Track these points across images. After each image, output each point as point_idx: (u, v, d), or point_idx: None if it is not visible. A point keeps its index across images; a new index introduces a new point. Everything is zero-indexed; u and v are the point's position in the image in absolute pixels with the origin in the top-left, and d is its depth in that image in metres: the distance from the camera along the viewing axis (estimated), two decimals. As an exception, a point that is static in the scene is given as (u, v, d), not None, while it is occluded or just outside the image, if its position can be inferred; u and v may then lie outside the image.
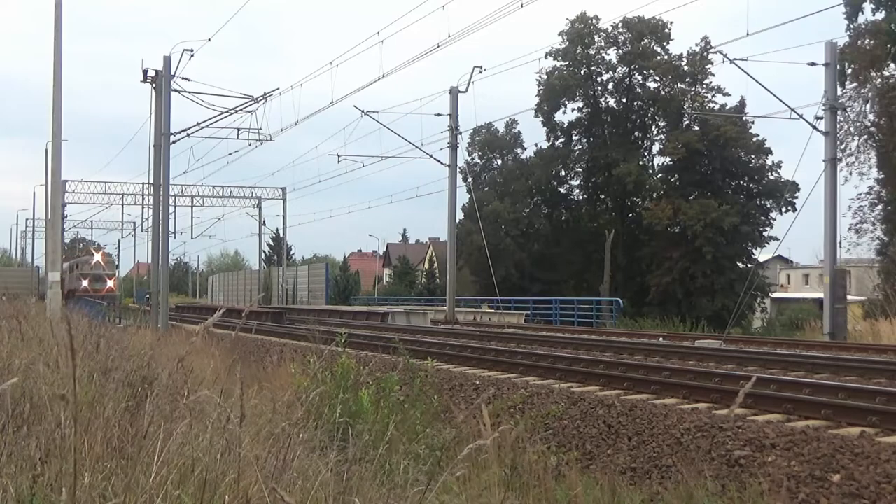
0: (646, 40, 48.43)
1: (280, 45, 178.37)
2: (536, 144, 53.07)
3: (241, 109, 27.64)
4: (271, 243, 68.08)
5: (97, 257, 61.99)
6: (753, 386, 3.83)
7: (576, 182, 53.45)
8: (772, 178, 45.51)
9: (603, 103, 50.85)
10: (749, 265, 43.56)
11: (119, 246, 70.43)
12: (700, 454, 7.79)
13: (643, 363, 13.05)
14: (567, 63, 49.52)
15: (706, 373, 11.51)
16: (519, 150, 55.10)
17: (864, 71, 34.13)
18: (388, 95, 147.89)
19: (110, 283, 60.21)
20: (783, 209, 44.86)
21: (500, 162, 55.52)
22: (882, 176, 35.19)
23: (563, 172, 52.50)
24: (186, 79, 26.73)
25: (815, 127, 24.42)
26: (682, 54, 47.99)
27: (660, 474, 7.91)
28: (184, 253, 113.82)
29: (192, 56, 25.70)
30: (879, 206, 35.63)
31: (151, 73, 27.11)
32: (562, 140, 51.69)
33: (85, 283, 59.35)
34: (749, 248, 45.86)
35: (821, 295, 27.10)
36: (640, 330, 28.47)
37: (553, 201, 53.13)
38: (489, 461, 5.43)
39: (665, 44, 48.81)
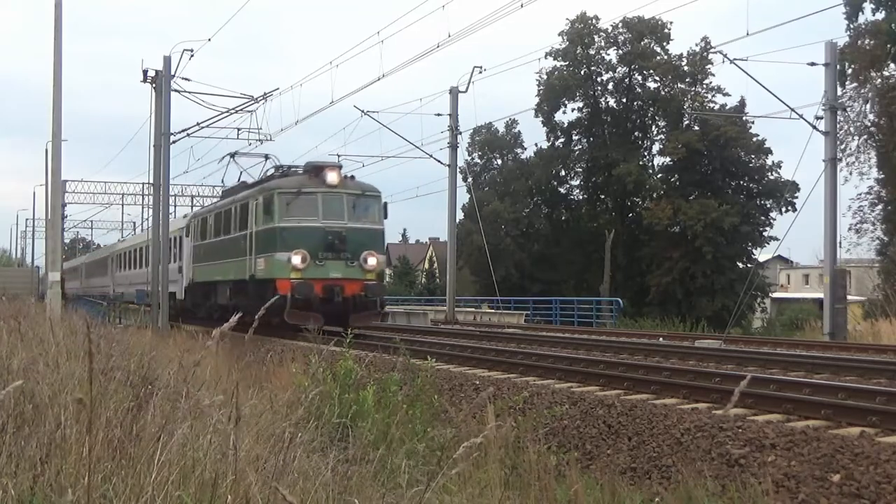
0: (646, 40, 48.44)
1: (280, 45, 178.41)
2: (536, 144, 53.17)
3: (241, 109, 27.62)
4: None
5: (332, 177, 20.07)
6: (753, 386, 3.85)
7: (576, 182, 53.53)
8: (772, 178, 45.56)
9: (603, 103, 50.87)
10: (749, 265, 43.58)
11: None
12: (700, 454, 7.79)
13: (643, 363, 13.05)
14: (567, 63, 49.53)
15: (706, 373, 11.51)
16: (519, 150, 55.20)
17: (864, 71, 34.14)
18: (388, 95, 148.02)
19: (372, 262, 19.92)
20: (783, 209, 44.92)
21: (500, 162, 55.55)
22: (882, 176, 35.21)
23: (563, 172, 52.52)
24: (186, 79, 26.75)
25: (815, 127, 24.44)
26: (682, 54, 48.07)
27: (660, 474, 7.91)
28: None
29: (192, 56, 25.69)
30: (879, 206, 35.66)
31: (151, 73, 27.13)
32: (562, 140, 51.71)
33: (296, 259, 19.31)
34: (749, 248, 45.90)
35: (821, 295, 27.11)
36: (640, 330, 28.46)
37: (553, 201, 53.13)
38: (489, 460, 5.44)
39: (665, 44, 48.84)
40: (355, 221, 19.90)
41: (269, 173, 23.27)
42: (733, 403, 3.78)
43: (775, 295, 51.73)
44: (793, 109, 25.07)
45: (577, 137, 51.82)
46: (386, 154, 36.13)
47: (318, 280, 18.90)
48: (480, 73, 31.16)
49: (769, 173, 45.74)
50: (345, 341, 9.99)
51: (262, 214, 20.01)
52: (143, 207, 51.53)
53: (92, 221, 64.96)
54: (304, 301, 18.43)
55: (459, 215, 40.44)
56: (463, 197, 42.00)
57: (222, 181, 28.74)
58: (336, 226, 19.51)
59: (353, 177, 21.18)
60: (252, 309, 19.06)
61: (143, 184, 46.11)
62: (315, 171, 20.37)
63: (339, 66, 31.97)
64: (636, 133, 51.14)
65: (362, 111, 31.56)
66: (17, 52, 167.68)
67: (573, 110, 50.69)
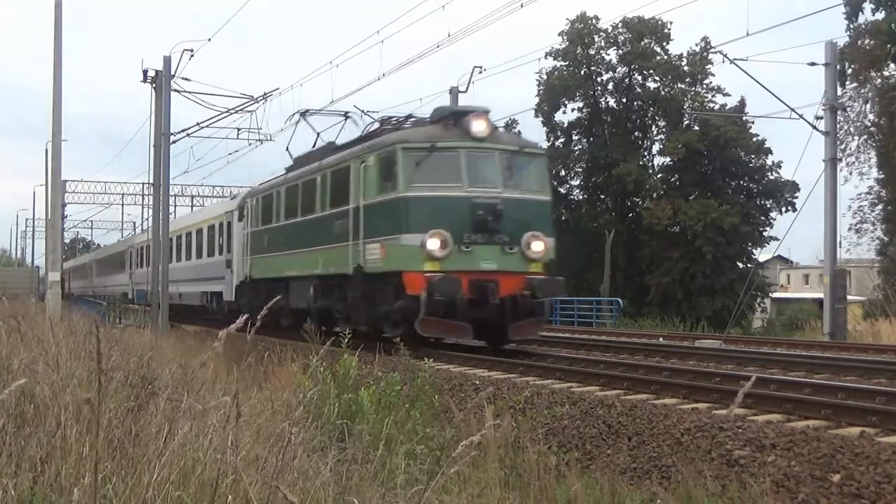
0: (646, 40, 48.43)
1: (281, 44, 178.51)
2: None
3: (241, 109, 27.67)
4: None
5: (478, 126, 13.95)
6: (754, 386, 3.86)
7: (576, 182, 53.47)
8: (772, 178, 45.53)
9: (603, 103, 50.85)
10: (749, 265, 43.56)
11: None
12: (700, 454, 7.79)
13: (643, 363, 13.05)
14: (567, 63, 49.52)
15: (706, 373, 11.52)
16: (519, 150, 55.09)
17: (864, 71, 34.16)
18: (388, 95, 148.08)
19: (538, 248, 14.20)
20: (783, 209, 44.90)
21: (500, 162, 55.51)
22: (882, 176, 35.25)
23: (563, 172, 52.50)
24: (186, 79, 26.80)
25: (815, 127, 24.45)
26: (681, 54, 48.04)
27: (660, 474, 7.91)
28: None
29: (192, 56, 25.77)
30: (879, 206, 35.70)
31: (151, 73, 27.16)
32: (562, 140, 51.70)
33: (433, 243, 13.36)
34: (749, 248, 45.89)
35: (821, 295, 27.11)
36: (640, 330, 28.46)
37: (553, 201, 53.09)
38: (489, 460, 5.44)
39: (665, 44, 48.82)
40: (513, 189, 14.18)
41: (374, 127, 17.22)
42: (737, 404, 3.79)
43: (775, 295, 51.74)
44: (793, 109, 25.13)
45: (577, 137, 51.81)
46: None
47: (465, 273, 13.33)
48: (480, 73, 31.01)
49: (769, 173, 45.74)
50: (344, 341, 9.94)
51: (378, 180, 14.34)
52: (143, 207, 51.65)
53: (92, 221, 65.17)
54: (445, 304, 13.12)
55: (459, 215, 40.38)
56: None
57: (287, 149, 22.88)
58: (488, 195, 13.73)
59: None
60: (360, 315, 14.19)
61: (143, 184, 46.22)
62: (452, 118, 14.39)
63: (339, 66, 31.89)
64: (636, 133, 51.13)
65: (362, 111, 31.48)
66: (17, 52, 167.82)
67: (573, 110, 50.71)
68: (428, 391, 8.96)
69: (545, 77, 49.81)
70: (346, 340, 9.89)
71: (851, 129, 35.36)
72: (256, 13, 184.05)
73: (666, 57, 48.36)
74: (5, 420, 4.43)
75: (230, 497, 3.50)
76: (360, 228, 14.78)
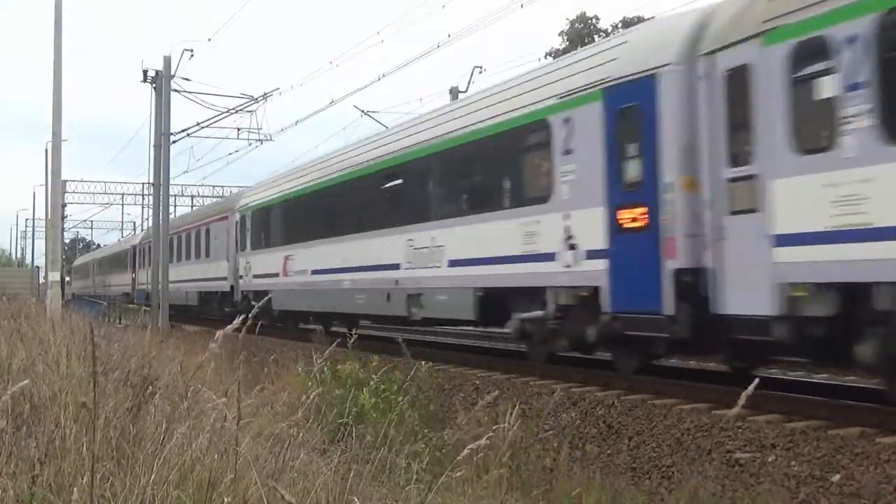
0: (646, 40, 48.42)
1: (281, 44, 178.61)
2: (536, 144, 52.96)
3: (241, 109, 27.71)
4: (272, 243, 67.67)
5: None
6: (754, 386, 3.86)
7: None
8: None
9: (603, 103, 50.81)
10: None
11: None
12: (700, 454, 7.78)
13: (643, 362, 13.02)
14: (567, 63, 49.54)
15: (706, 372, 11.50)
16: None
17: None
18: (388, 95, 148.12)
19: None
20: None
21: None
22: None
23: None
24: (186, 79, 26.86)
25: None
26: (682, 54, 47.98)
27: (660, 474, 7.91)
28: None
29: (192, 56, 25.82)
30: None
31: (151, 73, 27.16)
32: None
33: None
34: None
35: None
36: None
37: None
38: (490, 462, 5.43)
39: (665, 44, 48.79)
40: None
41: None
42: (740, 406, 3.78)
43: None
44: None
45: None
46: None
47: None
48: (480, 73, 31.08)
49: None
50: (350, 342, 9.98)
51: None
52: (143, 207, 51.69)
53: (92, 221, 65.20)
54: None
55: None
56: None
57: None
58: None
59: None
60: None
61: (143, 184, 46.26)
62: None
63: (339, 66, 31.83)
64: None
65: (362, 111, 31.50)
66: (17, 53, 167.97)
67: (573, 110, 50.64)
68: (428, 392, 8.95)
69: (545, 77, 49.81)
70: (352, 341, 9.89)
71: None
72: (257, 13, 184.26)
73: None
74: (5, 420, 4.43)
75: (229, 497, 3.49)
76: None
